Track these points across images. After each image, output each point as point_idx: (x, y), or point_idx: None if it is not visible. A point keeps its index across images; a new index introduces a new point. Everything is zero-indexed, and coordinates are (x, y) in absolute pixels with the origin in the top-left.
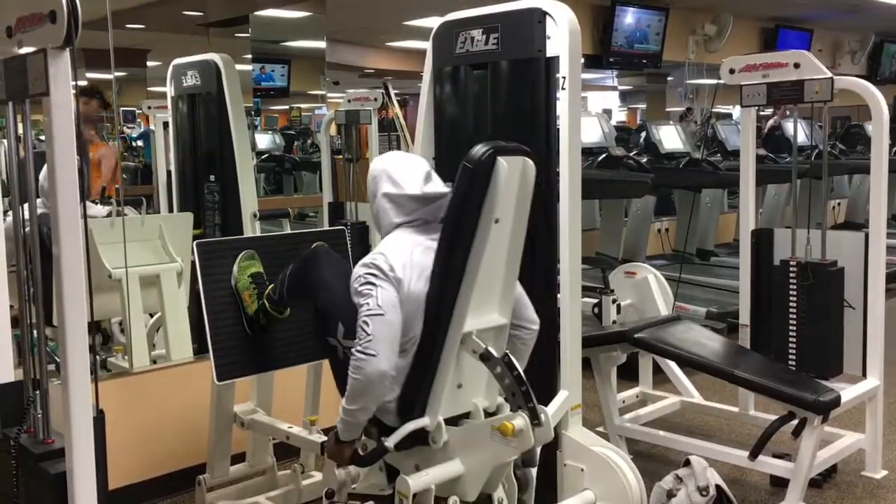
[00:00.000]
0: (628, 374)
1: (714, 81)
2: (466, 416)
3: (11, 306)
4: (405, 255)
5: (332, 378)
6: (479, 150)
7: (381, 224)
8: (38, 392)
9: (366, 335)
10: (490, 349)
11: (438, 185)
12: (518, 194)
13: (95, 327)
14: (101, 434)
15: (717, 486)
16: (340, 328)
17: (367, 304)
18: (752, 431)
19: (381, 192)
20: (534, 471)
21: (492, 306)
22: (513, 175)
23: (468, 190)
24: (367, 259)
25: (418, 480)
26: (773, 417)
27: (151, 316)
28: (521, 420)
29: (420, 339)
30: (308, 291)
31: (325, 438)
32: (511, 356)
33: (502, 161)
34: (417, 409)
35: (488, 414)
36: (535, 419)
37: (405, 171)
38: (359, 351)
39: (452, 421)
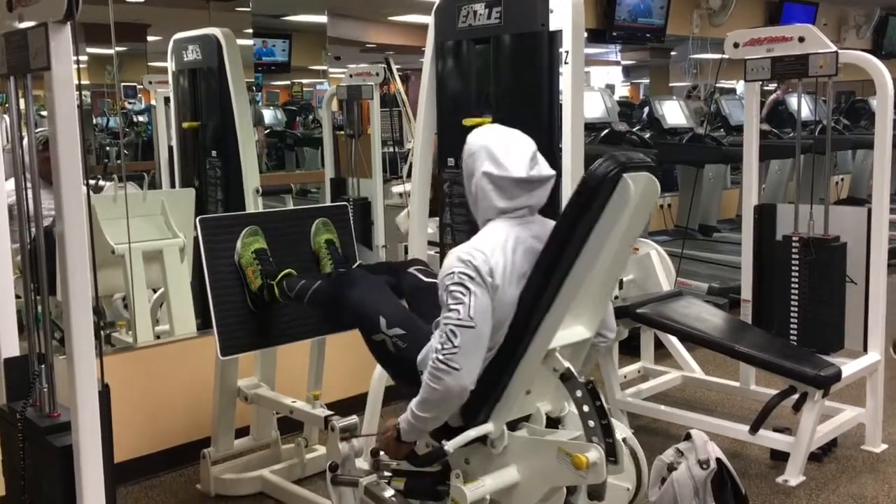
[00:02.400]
0: (630, 350)
1: (718, 56)
2: (526, 418)
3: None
4: (507, 257)
5: (337, 352)
6: (604, 167)
7: (479, 206)
8: (43, 366)
9: (452, 346)
10: (571, 369)
11: (544, 168)
12: (635, 211)
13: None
14: (106, 408)
15: (718, 460)
16: (382, 321)
17: (458, 311)
18: (753, 406)
19: (480, 171)
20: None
21: (579, 321)
22: (635, 193)
23: (586, 208)
24: (464, 252)
25: (475, 492)
26: (774, 392)
27: (154, 292)
28: (595, 453)
29: (501, 347)
30: (336, 308)
31: (328, 413)
32: (594, 384)
33: (628, 180)
34: (483, 414)
35: (550, 419)
36: (611, 455)
37: (509, 149)
38: (441, 361)
39: (511, 422)
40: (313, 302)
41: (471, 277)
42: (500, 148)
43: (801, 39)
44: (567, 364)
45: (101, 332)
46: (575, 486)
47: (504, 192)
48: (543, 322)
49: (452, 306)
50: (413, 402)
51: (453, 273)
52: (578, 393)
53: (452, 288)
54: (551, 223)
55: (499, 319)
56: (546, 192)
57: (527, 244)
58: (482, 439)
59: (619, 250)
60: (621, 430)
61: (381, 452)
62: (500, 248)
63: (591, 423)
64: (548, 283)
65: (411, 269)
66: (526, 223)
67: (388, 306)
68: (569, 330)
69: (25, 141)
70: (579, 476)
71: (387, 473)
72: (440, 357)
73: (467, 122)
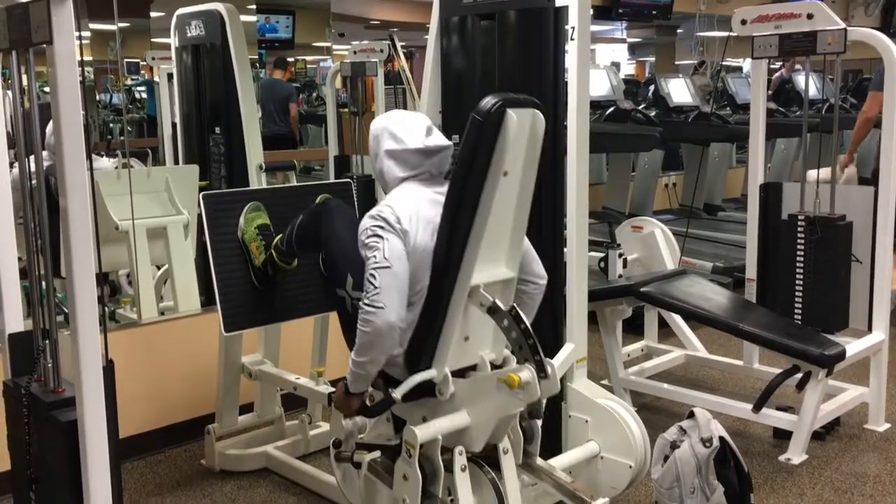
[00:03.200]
0: (634, 328)
1: (725, 34)
2: (473, 368)
3: (20, 258)
4: (412, 207)
5: (340, 329)
6: (488, 101)
7: (386, 181)
8: (47, 342)
9: (373, 288)
10: (497, 302)
11: (440, 139)
12: (527, 147)
13: (103, 279)
14: (110, 383)
15: (721, 438)
16: (349, 280)
17: (374, 256)
18: (757, 385)
19: (383, 150)
20: (539, 422)
21: (499, 260)
22: (522, 128)
23: (476, 142)
24: (373, 211)
25: (425, 431)
26: (778, 371)
27: (159, 268)
28: (527, 372)
29: (427, 292)
30: (317, 243)
31: (332, 389)
32: (518, 309)
33: (512, 113)
34: (424, 361)
35: (495, 366)
36: (541, 371)
37: (405, 126)
38: (367, 304)
39: (459, 373)
40: (299, 242)
41: (381, 227)
42: (397, 126)
43: (810, 16)
44: (492, 298)
45: (106, 308)
46: (531, 432)
47: (405, 164)
48: (463, 260)
49: (370, 255)
50: (352, 352)
51: (367, 229)
52: (505, 322)
53: (368, 241)
54: None
55: (416, 264)
56: (445, 160)
57: (432, 197)
58: (430, 390)
59: (524, 188)
60: (624, 409)
61: (342, 443)
62: (405, 200)
63: (521, 347)
64: (457, 220)
65: None
66: (429, 183)
67: (359, 267)
68: (491, 270)
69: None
70: (517, 399)
71: (354, 458)
72: (366, 301)
73: None
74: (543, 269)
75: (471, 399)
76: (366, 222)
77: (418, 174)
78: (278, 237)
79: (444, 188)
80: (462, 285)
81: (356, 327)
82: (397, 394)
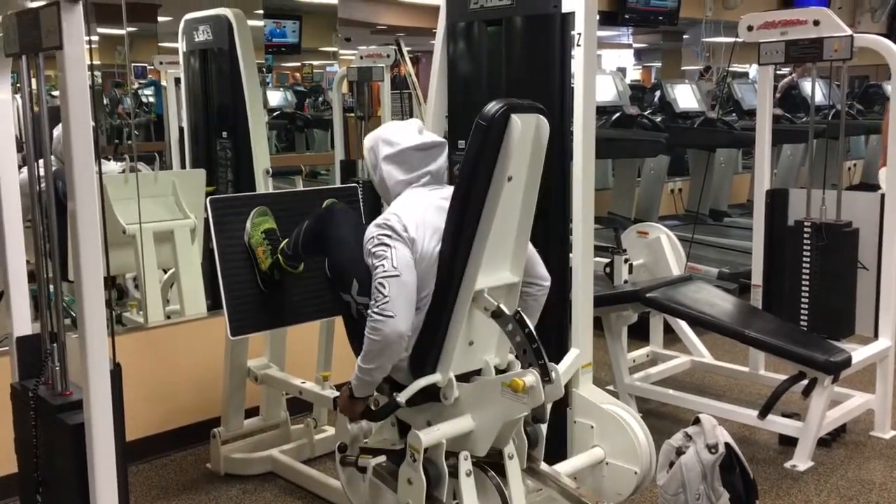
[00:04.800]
0: (639, 334)
1: (731, 39)
2: (478, 373)
3: (28, 261)
4: (418, 215)
5: (345, 334)
6: (492, 107)
7: (388, 188)
8: (55, 345)
9: (382, 296)
10: (502, 306)
11: (432, 135)
12: (531, 152)
13: (111, 282)
14: (118, 387)
15: (727, 444)
16: (355, 285)
17: (383, 265)
18: (762, 391)
19: (381, 158)
20: (544, 427)
21: (504, 264)
22: (526, 133)
23: (481, 147)
24: (379, 219)
25: (430, 435)
26: (783, 377)
27: (165, 272)
28: (531, 377)
29: (432, 297)
30: (323, 247)
31: (337, 394)
32: (522, 313)
33: (516, 119)
34: (429, 366)
35: (499, 371)
36: (545, 376)
37: (396, 130)
38: (376, 312)
39: (464, 378)
40: (306, 247)
41: (388, 236)
42: (390, 132)
43: (816, 23)
44: (496, 302)
45: (113, 312)
46: (536, 436)
47: (404, 164)
48: (467, 265)
49: (377, 263)
50: (358, 358)
51: (373, 238)
52: (509, 326)
53: (375, 249)
54: None
55: (422, 271)
56: (441, 158)
57: (436, 204)
58: (435, 394)
59: (528, 193)
60: (630, 415)
61: (347, 447)
62: (410, 207)
63: (525, 351)
64: (462, 226)
65: None
66: (433, 189)
67: (364, 274)
68: (495, 275)
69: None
70: (521, 403)
71: (358, 461)
72: (375, 309)
73: None
74: (547, 272)
75: (475, 403)
76: (372, 231)
77: (419, 177)
78: (284, 241)
79: (449, 193)
80: (466, 290)
81: (362, 332)
82: (402, 398)
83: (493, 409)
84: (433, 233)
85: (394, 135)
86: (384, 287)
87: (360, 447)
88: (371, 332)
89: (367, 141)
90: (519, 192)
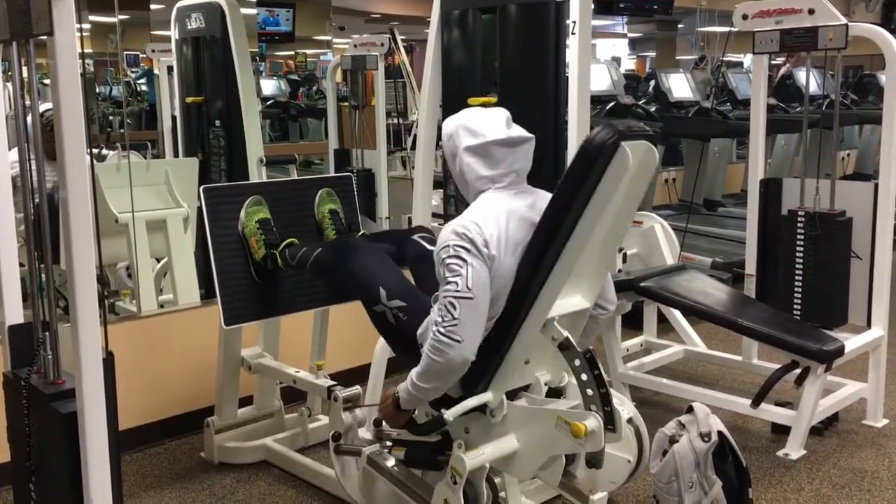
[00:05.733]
0: (633, 323)
1: (726, 29)
2: (526, 388)
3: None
4: (500, 226)
5: (340, 323)
6: (602, 134)
7: (468, 182)
8: (47, 334)
9: (451, 317)
10: (570, 338)
11: (521, 130)
12: (633, 179)
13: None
14: (110, 375)
15: (720, 433)
16: (382, 292)
17: (456, 283)
18: (755, 380)
19: (462, 148)
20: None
21: (578, 290)
22: (632, 160)
23: (585, 176)
24: (458, 225)
25: (474, 460)
26: (776, 366)
27: (158, 261)
28: (594, 421)
29: (500, 316)
30: (337, 279)
31: (332, 383)
32: (593, 353)
33: (626, 148)
34: (482, 384)
35: (551, 389)
36: (609, 424)
37: (482, 119)
38: (442, 333)
39: (511, 393)
40: (315, 270)
41: (467, 249)
42: (474, 121)
43: (811, 12)
44: (566, 333)
45: (105, 301)
46: (574, 454)
47: (488, 160)
48: (542, 291)
49: (450, 279)
50: (413, 373)
51: (448, 246)
52: (577, 362)
53: (449, 261)
54: (546, 194)
55: (497, 289)
56: (528, 155)
57: (520, 213)
58: (482, 408)
59: (618, 220)
60: (622, 404)
61: (383, 422)
62: (492, 218)
63: (590, 392)
64: (546, 252)
65: (415, 237)
66: (517, 194)
67: (389, 277)
68: (567, 300)
69: (30, 116)
70: (577, 444)
71: (388, 443)
72: (441, 330)
73: (472, 101)
74: (615, 295)
75: (523, 425)
76: (448, 237)
77: (504, 175)
78: (285, 244)
79: (533, 199)
80: (538, 318)
81: (405, 338)
82: (449, 416)
83: (543, 438)
84: (514, 248)
85: (478, 124)
86: (454, 308)
87: (392, 439)
88: (434, 352)
89: (448, 126)
90: (610, 220)
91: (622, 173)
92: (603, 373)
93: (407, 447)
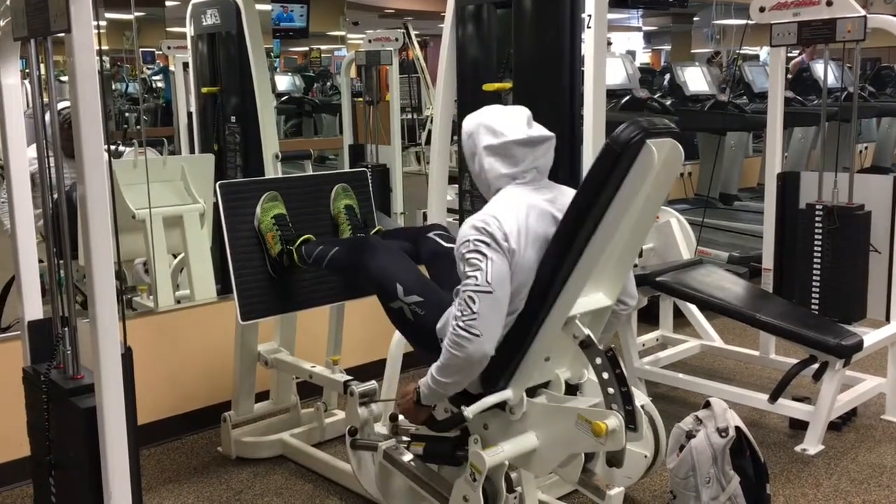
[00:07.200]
0: (649, 318)
1: (742, 21)
2: (546, 385)
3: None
4: (520, 220)
5: (356, 318)
6: (627, 132)
7: (488, 180)
8: (66, 329)
9: (471, 311)
10: (591, 336)
11: (542, 129)
12: (658, 177)
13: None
14: (129, 370)
15: (737, 428)
16: (399, 288)
17: (476, 277)
18: (773, 375)
19: (482, 147)
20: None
21: (600, 288)
22: (658, 158)
23: (609, 173)
24: (478, 220)
25: (494, 458)
26: (794, 361)
27: (175, 257)
28: (615, 420)
29: (521, 314)
30: (355, 275)
31: (348, 378)
32: (615, 351)
33: (651, 146)
34: (503, 381)
35: (569, 386)
36: (631, 423)
37: (503, 118)
38: (461, 327)
39: (531, 390)
40: (331, 267)
41: (486, 244)
42: (495, 120)
43: (829, 3)
44: (587, 331)
45: (123, 296)
46: (593, 452)
47: (508, 159)
48: (564, 289)
49: (470, 273)
50: (434, 367)
51: (468, 241)
52: (598, 360)
53: (469, 255)
54: (568, 190)
55: (518, 283)
56: (549, 153)
57: (540, 208)
58: (501, 405)
59: (642, 218)
60: (639, 398)
61: (401, 417)
62: (512, 212)
63: (611, 391)
64: (569, 250)
65: (431, 234)
66: (537, 189)
67: (405, 273)
68: (589, 297)
69: (48, 113)
70: (598, 443)
71: (405, 438)
72: (460, 324)
73: (487, 87)
74: (636, 290)
75: (543, 423)
76: (468, 232)
77: (524, 172)
78: (300, 241)
79: (554, 194)
80: (559, 315)
81: (424, 333)
82: (469, 412)
83: (562, 436)
84: (534, 241)
85: (499, 123)
86: (474, 302)
87: (410, 434)
88: (453, 346)
89: (467, 124)
90: (634, 217)
91: (647, 171)
92: (624, 371)
93: (425, 442)
